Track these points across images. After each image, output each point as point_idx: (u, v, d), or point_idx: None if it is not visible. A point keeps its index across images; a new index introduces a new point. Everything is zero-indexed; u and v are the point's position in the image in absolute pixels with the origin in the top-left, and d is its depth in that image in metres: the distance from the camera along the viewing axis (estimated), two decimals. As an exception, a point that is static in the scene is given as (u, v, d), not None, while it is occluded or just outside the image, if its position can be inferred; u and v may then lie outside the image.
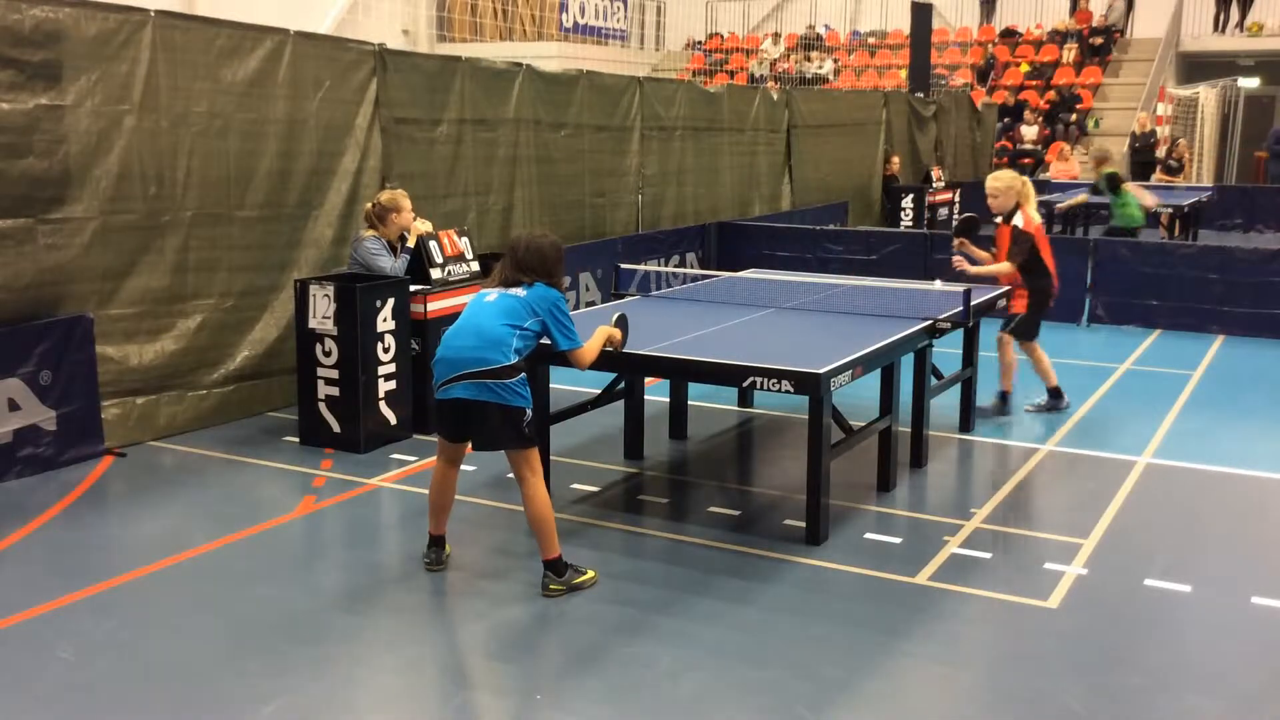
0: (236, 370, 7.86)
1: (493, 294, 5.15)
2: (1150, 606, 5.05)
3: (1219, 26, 25.84)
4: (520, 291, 5.12)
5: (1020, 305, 8.02)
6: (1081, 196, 14.85)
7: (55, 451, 6.71)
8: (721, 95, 14.05)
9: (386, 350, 7.26)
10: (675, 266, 12.39)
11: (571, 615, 4.90)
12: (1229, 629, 4.84)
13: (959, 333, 7.18)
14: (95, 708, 4.13)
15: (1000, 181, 7.97)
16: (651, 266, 11.06)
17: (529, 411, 5.09)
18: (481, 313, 5.09)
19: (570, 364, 5.38)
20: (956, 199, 18.84)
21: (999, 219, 8.07)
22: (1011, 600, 5.08)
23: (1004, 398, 8.15)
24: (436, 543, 5.40)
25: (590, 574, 5.18)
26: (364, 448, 7.10)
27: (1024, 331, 8.06)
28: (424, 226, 7.74)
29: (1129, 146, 21.32)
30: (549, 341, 5.22)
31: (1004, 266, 7.83)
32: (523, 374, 5.08)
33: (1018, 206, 7.90)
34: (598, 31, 26.45)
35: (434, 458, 5.49)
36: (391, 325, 7.27)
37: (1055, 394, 8.20)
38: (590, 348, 5.34)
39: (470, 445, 5.26)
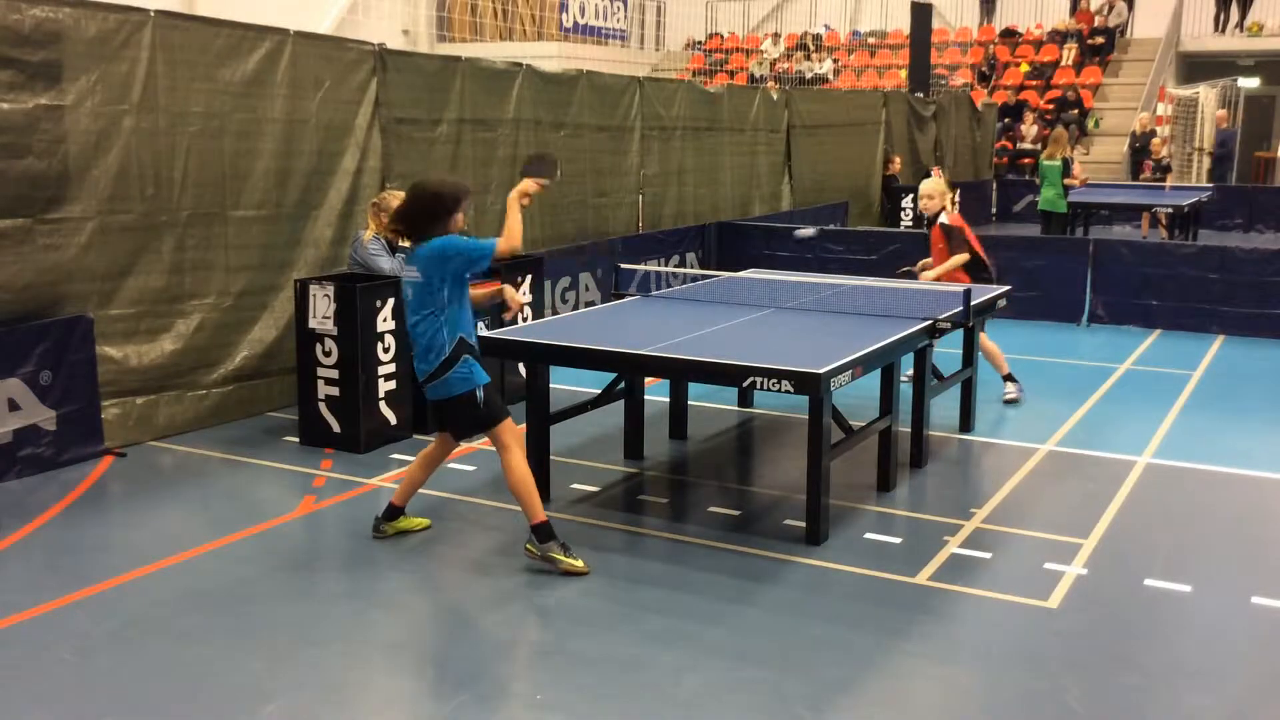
0: (236, 370, 7.86)
1: (409, 289, 5.30)
2: (1150, 606, 5.04)
3: (1219, 26, 25.84)
4: (416, 275, 5.24)
5: None
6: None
7: (55, 451, 6.70)
8: (721, 95, 14.05)
9: (386, 350, 7.27)
10: (675, 266, 12.39)
11: (572, 615, 4.90)
12: (1229, 629, 4.84)
13: (959, 333, 7.18)
14: (95, 708, 4.13)
15: (936, 186, 8.74)
16: (651, 266, 11.05)
17: (479, 391, 5.27)
18: (410, 312, 5.30)
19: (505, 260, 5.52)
20: (957, 199, 18.80)
21: (928, 221, 8.76)
22: (1011, 600, 5.07)
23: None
24: (389, 514, 5.66)
25: (577, 563, 5.24)
26: (364, 448, 7.11)
27: (982, 323, 8.24)
28: None
29: (1129, 146, 21.31)
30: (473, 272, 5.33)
31: (959, 259, 8.37)
32: (463, 356, 5.23)
33: (942, 209, 8.56)
34: (598, 31, 26.46)
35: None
36: (391, 325, 7.27)
37: (1012, 378, 8.42)
38: (509, 231, 5.30)
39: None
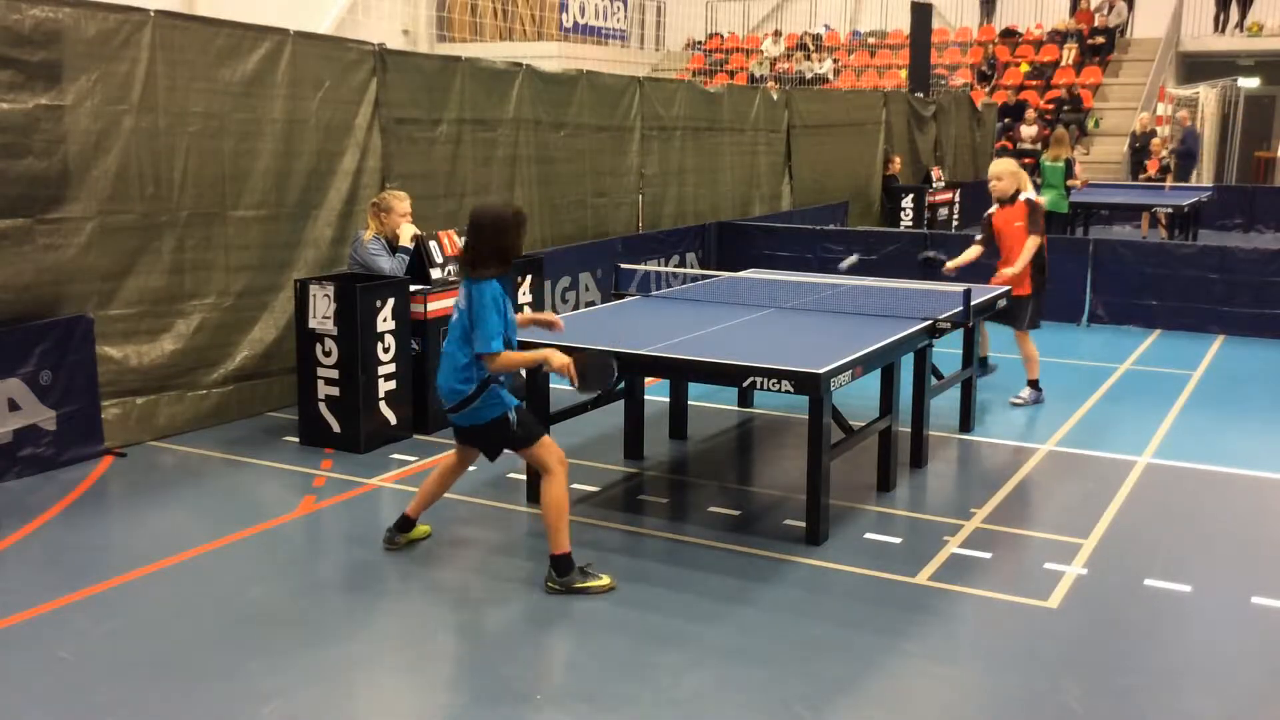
0: (236, 370, 7.86)
1: (458, 312, 5.17)
2: (1150, 606, 5.04)
3: (1219, 26, 25.84)
4: (463, 304, 5.13)
5: (1025, 288, 8.11)
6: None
7: (55, 451, 6.70)
8: (721, 95, 14.04)
9: (386, 350, 7.26)
10: (675, 266, 12.39)
11: (571, 616, 4.90)
12: (1229, 629, 4.84)
13: (959, 332, 7.18)
14: (95, 708, 4.13)
15: (1005, 167, 8.46)
16: (651, 266, 11.05)
17: (511, 413, 5.16)
18: (452, 336, 5.18)
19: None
20: (956, 199, 18.82)
21: (994, 206, 8.48)
22: (1011, 600, 5.07)
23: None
24: (401, 525, 5.55)
25: (604, 580, 5.13)
26: (364, 448, 7.10)
27: (1035, 320, 8.26)
28: (405, 235, 7.70)
29: (1129, 146, 21.31)
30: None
31: (1033, 244, 8.13)
32: (491, 385, 5.11)
33: (1018, 190, 8.31)
34: (598, 31, 26.46)
35: (435, 457, 5.54)
36: (391, 325, 7.27)
37: (1036, 385, 8.35)
38: (514, 358, 5.11)
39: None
